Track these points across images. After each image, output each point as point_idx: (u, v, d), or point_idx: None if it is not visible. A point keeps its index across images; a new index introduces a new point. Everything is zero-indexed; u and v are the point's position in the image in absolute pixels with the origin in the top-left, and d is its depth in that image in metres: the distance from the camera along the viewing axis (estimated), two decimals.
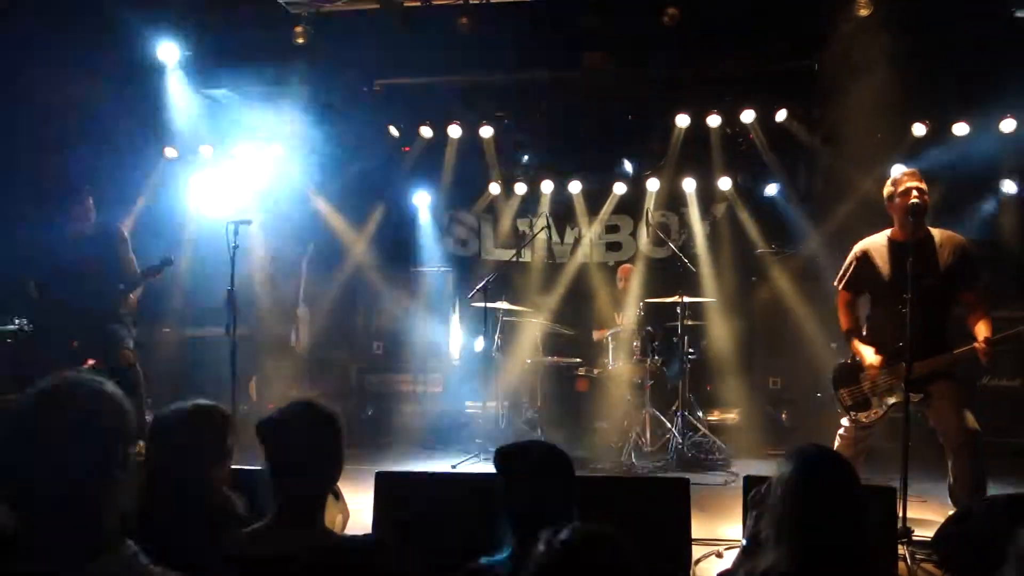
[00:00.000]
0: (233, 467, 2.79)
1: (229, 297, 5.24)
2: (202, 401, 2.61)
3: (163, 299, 7.47)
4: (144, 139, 7.59)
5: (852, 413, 4.64)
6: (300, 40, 6.33)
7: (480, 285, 7.26)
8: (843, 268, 4.73)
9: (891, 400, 4.52)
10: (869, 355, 4.54)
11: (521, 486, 2.37)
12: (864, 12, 5.49)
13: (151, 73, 6.89)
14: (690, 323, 7.04)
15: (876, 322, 4.61)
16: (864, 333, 4.67)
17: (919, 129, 7.28)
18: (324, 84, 7.59)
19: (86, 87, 6.46)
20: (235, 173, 8.18)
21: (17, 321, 6.41)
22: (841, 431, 4.72)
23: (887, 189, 4.53)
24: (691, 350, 7.13)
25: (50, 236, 5.78)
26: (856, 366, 4.63)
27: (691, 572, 3.72)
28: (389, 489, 3.69)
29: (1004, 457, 5.56)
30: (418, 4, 6.39)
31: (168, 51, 6.74)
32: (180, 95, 7.24)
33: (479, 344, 7.44)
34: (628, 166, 8.55)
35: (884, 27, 6.10)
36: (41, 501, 1.60)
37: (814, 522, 2.02)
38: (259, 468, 2.30)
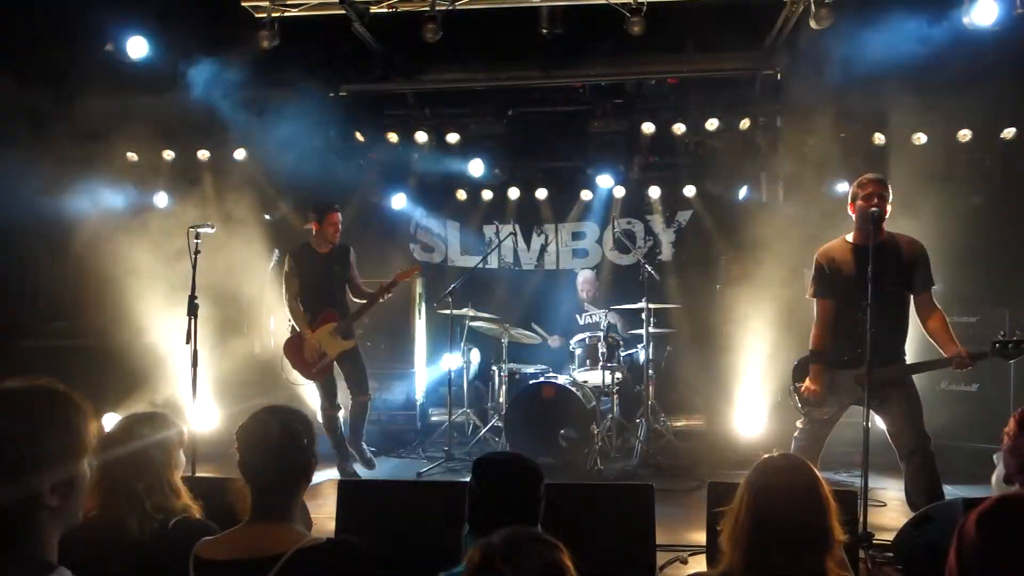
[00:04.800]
0: (196, 475, 2.76)
1: (190, 305, 5.13)
2: (149, 410, 2.60)
3: (120, 305, 7.31)
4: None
5: (805, 408, 4.68)
6: (265, 44, 6.24)
7: (446, 292, 7.24)
8: (812, 278, 4.76)
9: (846, 401, 4.58)
10: (809, 382, 4.60)
11: (490, 498, 2.37)
12: (825, 23, 5.57)
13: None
14: (655, 330, 7.07)
15: (836, 324, 4.67)
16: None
17: (879, 138, 7.43)
18: (289, 89, 7.54)
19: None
20: (200, 178, 8.11)
21: None
22: (796, 433, 4.77)
23: (851, 191, 4.61)
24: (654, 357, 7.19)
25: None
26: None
27: None
28: (352, 498, 3.65)
29: (962, 461, 5.66)
30: (384, 10, 6.35)
31: (137, 46, 6.54)
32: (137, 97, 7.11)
33: (451, 361, 7.41)
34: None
35: (844, 38, 6.21)
36: None
37: (766, 529, 2.02)
38: (218, 476, 2.28)
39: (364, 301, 6.15)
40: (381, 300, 6.08)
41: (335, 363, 6.19)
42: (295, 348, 6.11)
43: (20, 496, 1.53)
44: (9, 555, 1.54)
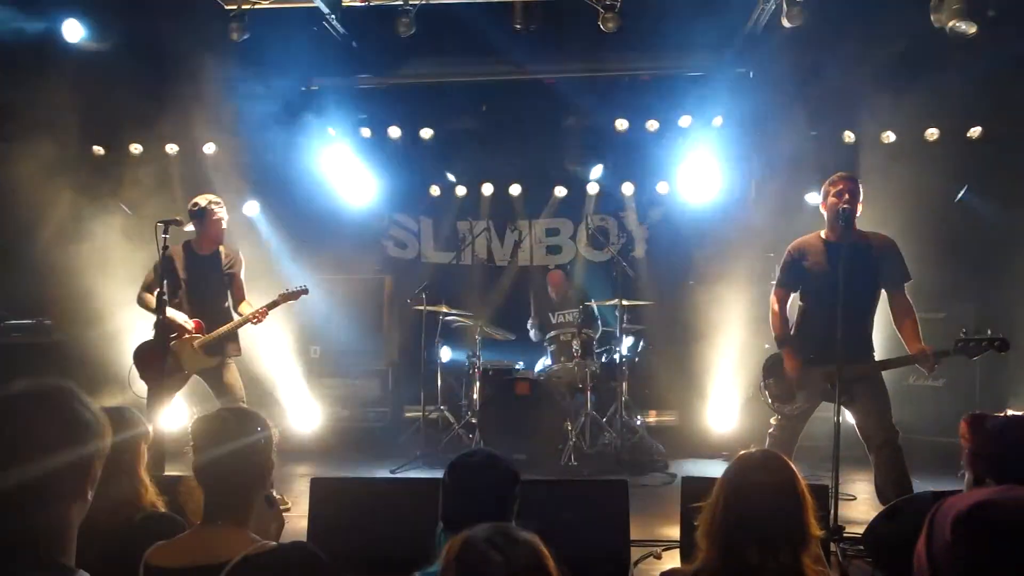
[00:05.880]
0: (164, 474, 2.72)
1: (159, 301, 5.05)
2: (115, 404, 2.58)
3: (86, 302, 7.20)
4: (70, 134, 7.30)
5: (775, 404, 4.73)
6: (235, 37, 6.17)
7: (420, 288, 7.21)
8: (779, 267, 4.83)
9: (815, 397, 4.63)
10: (791, 365, 4.63)
11: (464, 497, 2.36)
12: (796, 21, 5.61)
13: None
14: (628, 326, 7.10)
15: (806, 320, 4.72)
16: (794, 332, 4.76)
17: (849, 136, 7.51)
18: (260, 83, 7.45)
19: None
20: (168, 172, 7.99)
21: None
22: (771, 430, 4.82)
23: (823, 189, 4.67)
24: (628, 352, 7.24)
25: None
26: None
27: (630, 573, 3.74)
28: (324, 495, 3.63)
29: (930, 455, 5.74)
30: (357, 3, 6.31)
31: (72, 29, 6.41)
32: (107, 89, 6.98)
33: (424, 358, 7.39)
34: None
35: (813, 36, 6.27)
36: None
37: (742, 525, 2.02)
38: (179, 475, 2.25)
39: (239, 318, 5.48)
40: (254, 322, 5.43)
41: (201, 380, 5.56)
42: (150, 353, 5.34)
43: (67, 487, 1.56)
44: (38, 552, 1.53)
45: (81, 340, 7.36)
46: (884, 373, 4.58)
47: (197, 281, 5.50)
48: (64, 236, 7.25)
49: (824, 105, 7.30)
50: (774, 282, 4.86)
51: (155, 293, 5.19)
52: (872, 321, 4.65)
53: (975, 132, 7.42)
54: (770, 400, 4.77)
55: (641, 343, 7.70)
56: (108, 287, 7.15)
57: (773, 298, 4.82)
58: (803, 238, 4.79)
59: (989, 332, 4.31)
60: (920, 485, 4.39)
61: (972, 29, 5.14)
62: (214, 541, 2.15)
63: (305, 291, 5.59)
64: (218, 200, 5.51)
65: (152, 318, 5.34)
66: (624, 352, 7.04)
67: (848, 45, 6.68)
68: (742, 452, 2.19)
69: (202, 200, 5.46)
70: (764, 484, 2.06)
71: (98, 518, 2.38)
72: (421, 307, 7.24)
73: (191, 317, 5.42)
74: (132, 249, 6.91)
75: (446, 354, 7.74)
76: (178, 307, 5.42)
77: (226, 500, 2.22)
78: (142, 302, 5.51)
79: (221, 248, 5.56)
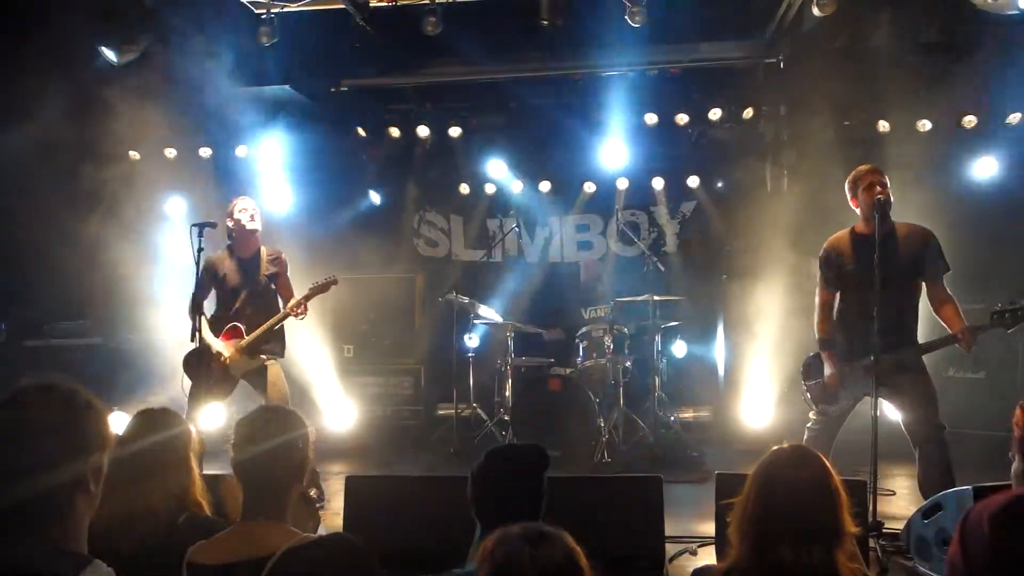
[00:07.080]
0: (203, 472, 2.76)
1: (193, 302, 5.12)
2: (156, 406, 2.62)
3: (127, 304, 7.33)
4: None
5: (820, 405, 4.66)
6: (265, 40, 6.24)
7: (451, 286, 7.23)
8: (819, 267, 4.76)
9: (858, 392, 4.56)
10: (829, 372, 4.57)
11: (495, 490, 2.36)
12: (828, 10, 5.53)
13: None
14: (661, 322, 7.05)
15: (844, 315, 4.65)
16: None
17: (884, 125, 7.38)
18: (289, 85, 7.53)
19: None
20: (203, 175, 8.10)
21: None
22: (809, 424, 4.75)
23: (849, 184, 4.58)
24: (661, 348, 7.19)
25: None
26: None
27: (665, 569, 3.72)
28: (359, 493, 3.66)
29: (970, 449, 5.62)
30: (384, 4, 6.34)
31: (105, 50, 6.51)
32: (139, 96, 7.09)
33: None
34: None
35: (846, 24, 6.18)
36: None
37: (773, 522, 1.99)
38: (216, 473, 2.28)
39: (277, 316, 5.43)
40: (297, 317, 5.32)
41: (248, 385, 5.53)
42: (198, 359, 5.33)
43: (67, 477, 1.60)
44: (46, 540, 1.57)
45: (119, 341, 7.50)
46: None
47: (238, 285, 5.47)
48: (102, 238, 7.37)
49: (857, 94, 7.18)
50: (819, 280, 4.77)
51: (195, 303, 5.26)
52: (913, 313, 4.54)
53: (1015, 118, 7.25)
54: (812, 403, 4.71)
55: (673, 340, 7.66)
56: (145, 288, 7.27)
57: (818, 298, 4.74)
58: (835, 235, 4.71)
59: None
60: (960, 479, 4.31)
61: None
62: (255, 536, 2.18)
63: (334, 281, 5.47)
64: (244, 204, 5.43)
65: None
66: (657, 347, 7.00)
67: (881, 31, 6.57)
68: (774, 447, 2.16)
69: (230, 205, 5.47)
70: (795, 480, 2.02)
71: (140, 514, 2.43)
72: (452, 305, 7.26)
73: (236, 321, 5.42)
74: (170, 250, 7.04)
75: (477, 351, 7.69)
76: (234, 313, 5.41)
77: (264, 496, 2.27)
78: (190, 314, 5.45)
79: (262, 249, 5.52)
